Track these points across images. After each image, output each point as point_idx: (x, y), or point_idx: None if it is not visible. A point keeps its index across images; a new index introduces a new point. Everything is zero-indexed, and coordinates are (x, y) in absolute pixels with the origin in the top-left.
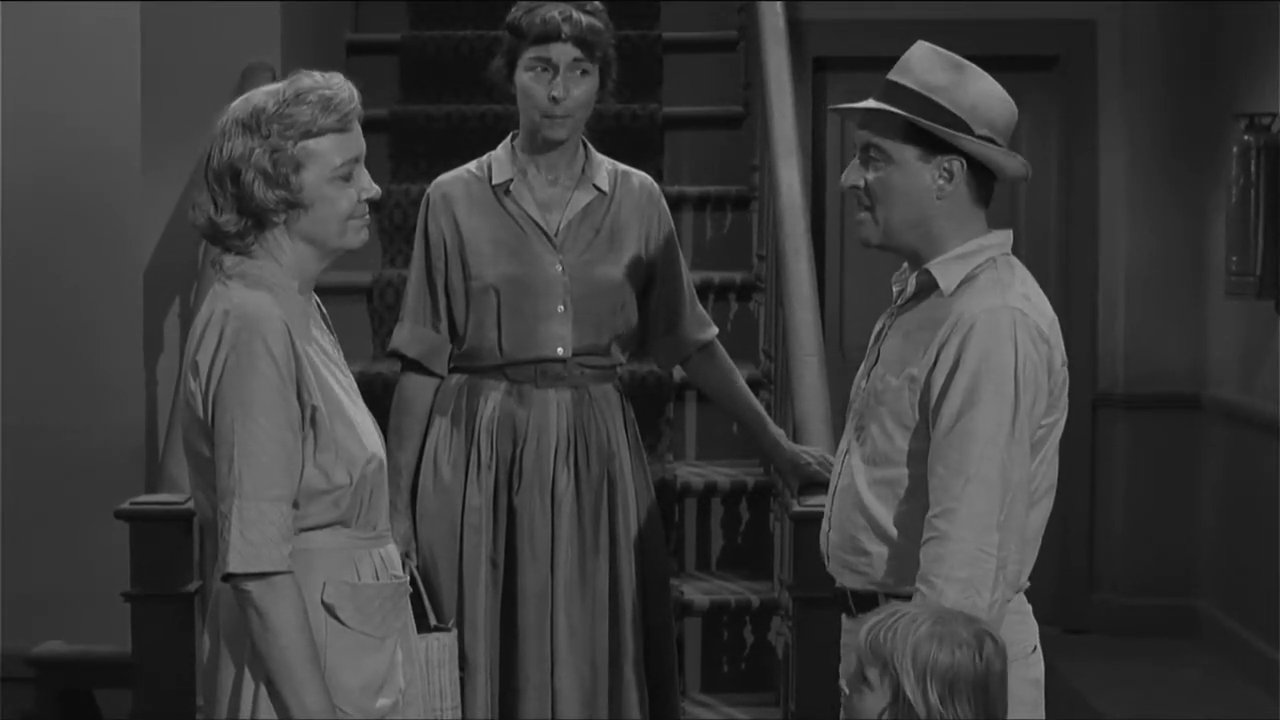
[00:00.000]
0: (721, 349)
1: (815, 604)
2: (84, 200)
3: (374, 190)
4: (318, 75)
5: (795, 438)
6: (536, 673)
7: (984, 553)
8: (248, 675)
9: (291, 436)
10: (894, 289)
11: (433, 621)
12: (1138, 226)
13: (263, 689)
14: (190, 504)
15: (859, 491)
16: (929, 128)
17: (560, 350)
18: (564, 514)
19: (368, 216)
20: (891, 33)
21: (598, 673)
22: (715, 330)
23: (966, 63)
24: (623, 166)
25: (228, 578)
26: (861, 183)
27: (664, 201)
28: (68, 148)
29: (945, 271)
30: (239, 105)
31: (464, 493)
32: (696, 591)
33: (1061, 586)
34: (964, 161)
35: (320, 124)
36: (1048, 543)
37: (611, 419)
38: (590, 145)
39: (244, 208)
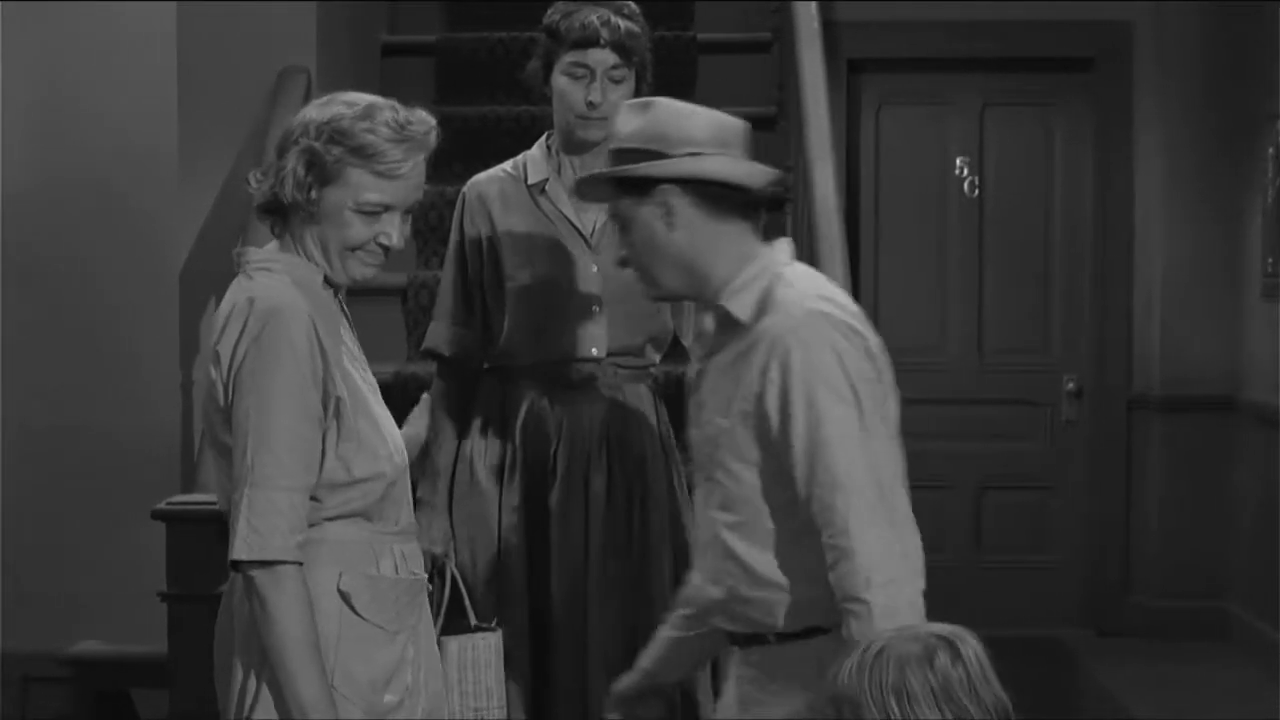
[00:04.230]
0: None
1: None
2: (120, 202)
3: (395, 241)
4: (412, 113)
5: None
6: (568, 675)
7: (889, 551)
8: (253, 673)
9: (309, 428)
10: (691, 344)
11: (473, 621)
12: (1173, 228)
13: (265, 688)
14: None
15: (724, 542)
16: (619, 172)
17: (595, 351)
18: (597, 515)
19: (380, 259)
20: (925, 34)
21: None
22: None
23: (656, 99)
24: None
25: (235, 565)
26: (624, 252)
27: None
28: (104, 150)
29: (737, 302)
30: (330, 99)
31: (500, 493)
32: None
33: (1095, 589)
34: (678, 187)
35: (366, 155)
36: (1081, 545)
37: (645, 419)
38: None
39: (273, 189)
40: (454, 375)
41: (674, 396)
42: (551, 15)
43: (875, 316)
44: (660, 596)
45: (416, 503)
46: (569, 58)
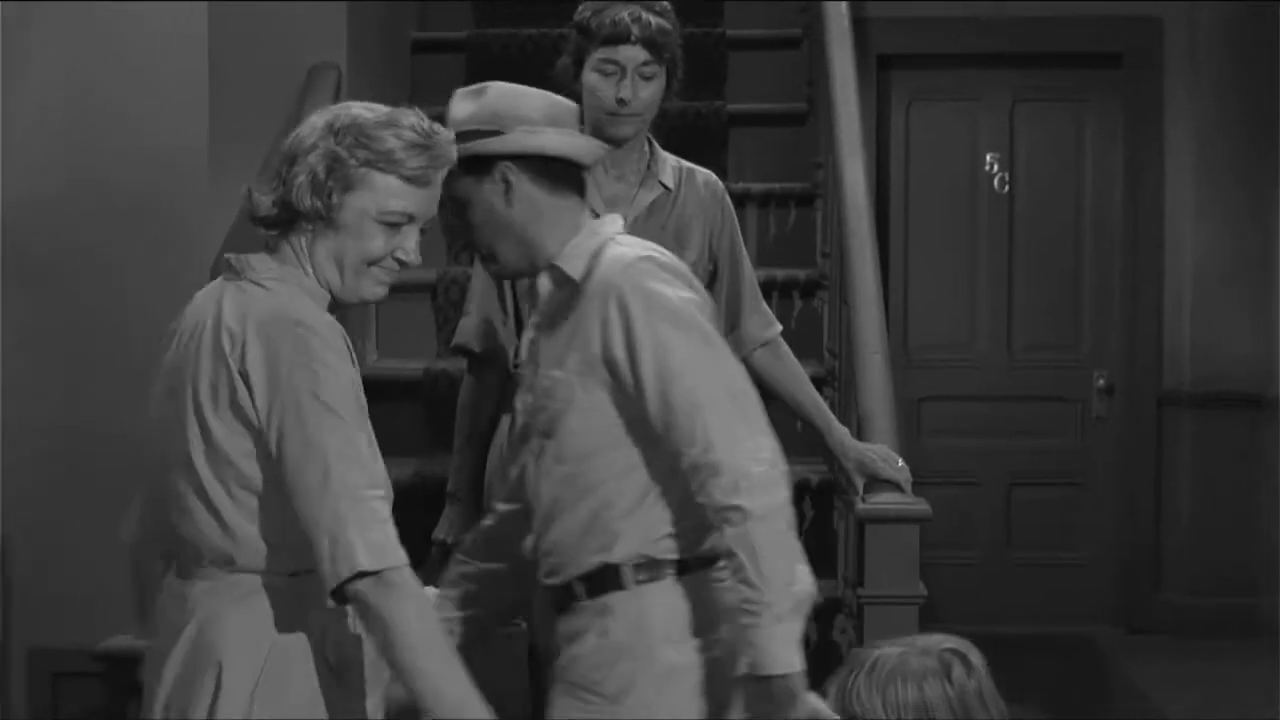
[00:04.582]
0: (786, 347)
1: (882, 603)
2: (151, 200)
3: (413, 257)
4: (430, 123)
5: (860, 435)
6: None
7: (757, 459)
8: (226, 678)
9: (370, 435)
10: (527, 311)
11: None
12: (1203, 223)
13: (240, 690)
14: None
15: (558, 496)
16: (460, 150)
17: None
18: None
19: (393, 278)
20: (955, 30)
21: None
22: (779, 328)
23: (489, 83)
24: (687, 164)
25: (344, 584)
26: (467, 237)
27: (728, 199)
28: (135, 149)
29: (570, 262)
30: (342, 106)
31: None
32: None
33: (1125, 586)
34: (515, 164)
35: (392, 162)
36: (1111, 542)
37: None
38: (655, 142)
39: (283, 197)
40: (484, 371)
41: None
42: (583, 12)
43: (905, 313)
44: None
45: (446, 497)
46: (600, 54)
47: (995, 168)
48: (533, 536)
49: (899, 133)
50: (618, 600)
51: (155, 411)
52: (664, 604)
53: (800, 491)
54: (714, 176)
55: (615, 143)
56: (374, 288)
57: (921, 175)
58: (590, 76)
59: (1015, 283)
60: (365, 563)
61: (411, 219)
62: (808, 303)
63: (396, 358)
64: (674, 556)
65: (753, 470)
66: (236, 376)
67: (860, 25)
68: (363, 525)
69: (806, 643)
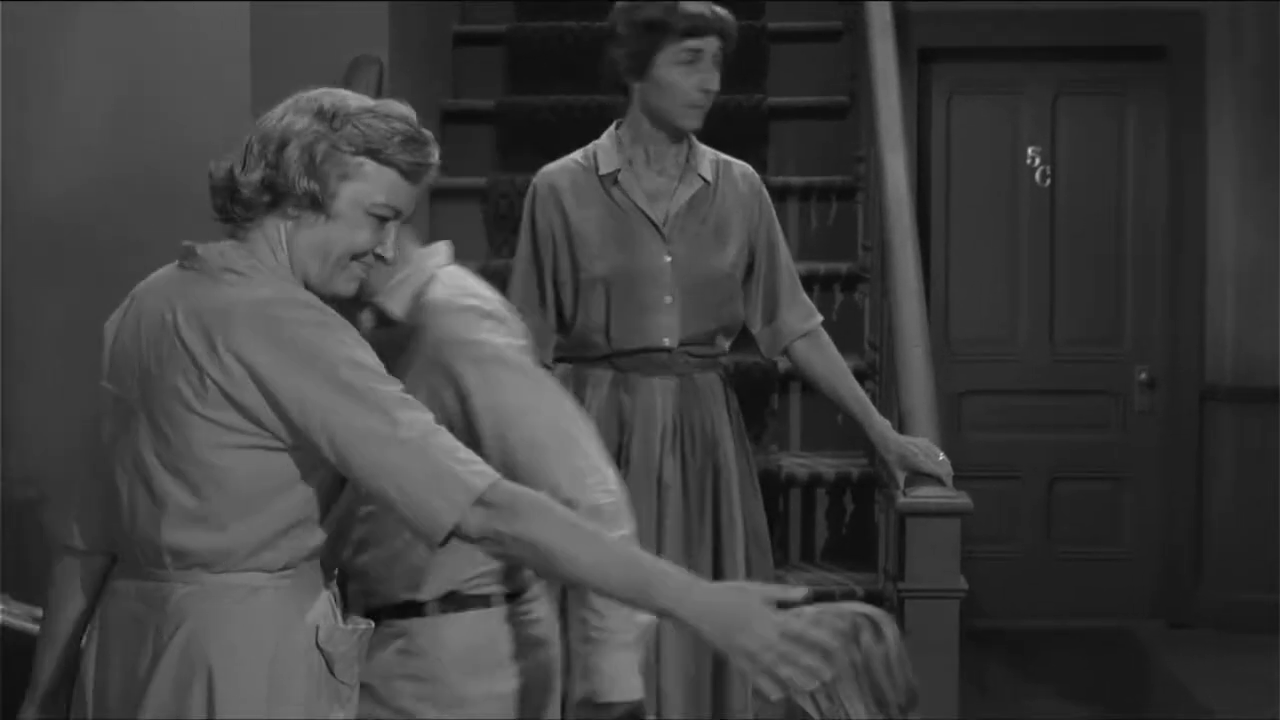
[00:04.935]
0: (826, 338)
1: (922, 596)
2: (196, 196)
3: (389, 252)
4: (416, 118)
5: (901, 429)
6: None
7: (604, 491)
8: (223, 686)
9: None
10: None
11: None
12: (1246, 217)
13: (234, 689)
14: None
15: (377, 529)
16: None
17: (667, 340)
18: (670, 501)
19: (364, 276)
20: (997, 23)
21: (701, 668)
22: (819, 319)
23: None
24: (724, 156)
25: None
26: None
27: (765, 190)
28: (179, 144)
29: (393, 299)
30: (322, 91)
31: None
32: (800, 583)
33: (1167, 580)
34: None
35: (389, 153)
36: (1153, 536)
37: (716, 407)
38: (693, 135)
39: (270, 180)
40: None
41: (745, 386)
42: (648, 10)
43: (946, 307)
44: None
45: None
46: (682, 45)
47: (1037, 161)
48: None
49: (940, 126)
50: (418, 626)
51: (112, 409)
52: (463, 636)
53: (841, 484)
54: (750, 168)
55: (678, 136)
56: (348, 284)
57: (963, 169)
58: (669, 70)
59: (1057, 276)
60: (479, 483)
61: (397, 214)
62: (849, 296)
63: None
64: (481, 593)
65: (603, 503)
66: (230, 368)
67: (902, 18)
68: (451, 456)
69: None
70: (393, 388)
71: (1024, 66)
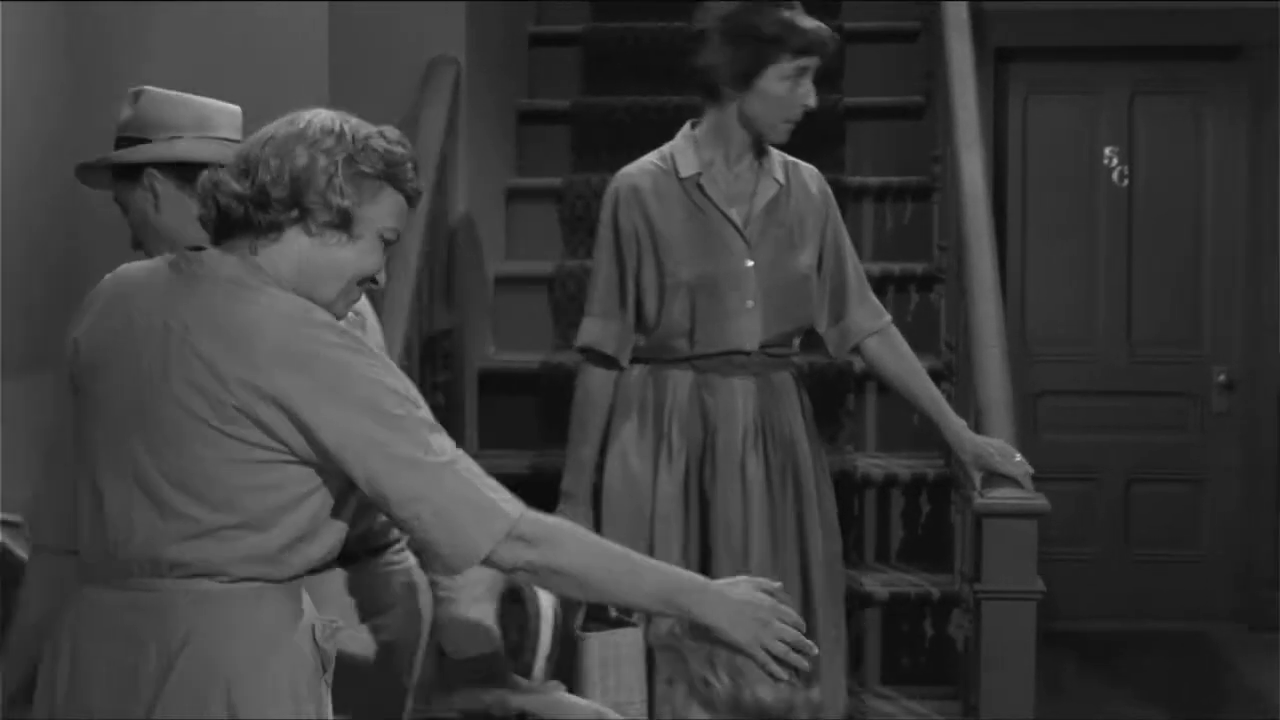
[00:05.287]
0: (898, 336)
1: (999, 598)
2: None
3: (384, 278)
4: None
5: (978, 429)
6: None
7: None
8: (240, 697)
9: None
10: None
11: (613, 614)
12: None
13: (254, 697)
14: None
15: None
16: (110, 159)
17: (748, 344)
18: (755, 499)
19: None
20: (1074, 22)
21: None
22: (888, 318)
23: (146, 88)
24: (789, 158)
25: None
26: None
27: (830, 192)
28: None
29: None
30: (328, 112)
31: (654, 482)
32: (876, 583)
33: (1245, 583)
34: (159, 171)
35: (402, 178)
36: (1232, 538)
37: (791, 405)
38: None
39: (298, 195)
40: (602, 369)
41: (820, 387)
42: (761, 23)
43: (1022, 306)
44: (820, 579)
45: (560, 494)
46: (795, 62)
47: (1114, 161)
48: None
49: (1017, 126)
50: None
51: (91, 415)
52: (340, 590)
53: (916, 485)
54: (816, 170)
55: (761, 147)
56: (347, 307)
57: (1039, 168)
58: (777, 85)
59: (1134, 276)
60: (513, 510)
61: (397, 240)
62: (924, 296)
63: (513, 350)
64: (350, 550)
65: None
66: (258, 386)
67: (978, 18)
68: (482, 480)
69: (923, 637)
70: (423, 412)
71: (1101, 66)
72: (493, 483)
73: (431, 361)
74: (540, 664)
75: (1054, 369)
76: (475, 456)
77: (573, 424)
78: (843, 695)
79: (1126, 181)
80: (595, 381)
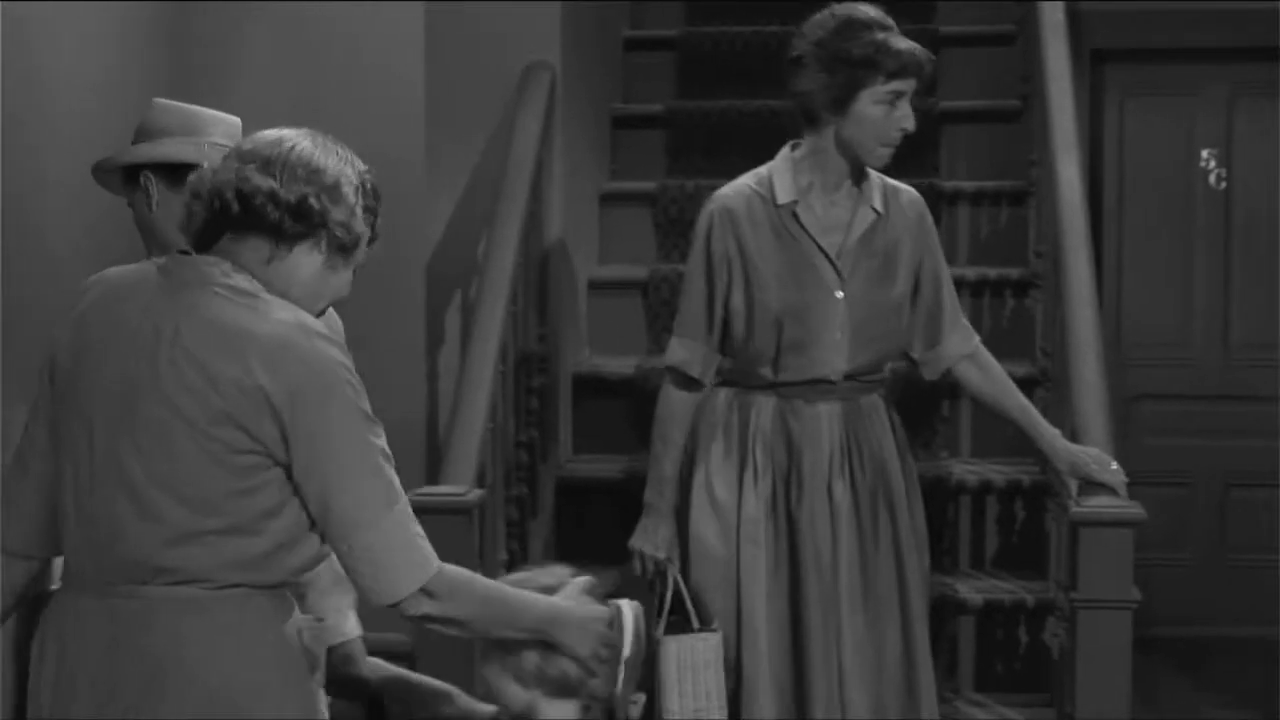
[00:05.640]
0: (987, 355)
1: (1095, 607)
2: None
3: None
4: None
5: (1074, 437)
6: (824, 683)
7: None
8: (240, 697)
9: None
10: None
11: (695, 624)
12: None
13: (255, 704)
14: (471, 496)
15: None
16: (107, 163)
17: (832, 374)
18: (843, 521)
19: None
20: (1171, 24)
21: (884, 679)
22: (977, 339)
23: (157, 100)
24: (890, 181)
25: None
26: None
27: (929, 216)
28: (352, 148)
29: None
30: (335, 141)
31: (739, 504)
32: (970, 590)
33: None
34: (151, 172)
35: (376, 221)
36: None
37: (880, 427)
38: None
39: (325, 209)
40: (687, 389)
41: (914, 393)
42: (855, 46)
43: (1118, 311)
44: (916, 596)
45: (643, 505)
46: (889, 86)
47: (1212, 164)
48: None
49: (1113, 129)
50: None
51: (68, 415)
52: None
53: (1011, 492)
54: (916, 194)
55: (860, 171)
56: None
57: (1136, 171)
58: (873, 108)
59: (1232, 281)
60: (434, 564)
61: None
62: (1020, 302)
63: (607, 355)
64: None
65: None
66: (250, 392)
67: (1074, 20)
68: (414, 523)
69: (1017, 644)
70: (380, 441)
71: (1198, 68)
72: (419, 529)
73: (526, 366)
74: (622, 671)
75: (1150, 373)
76: (569, 461)
77: (654, 439)
78: (932, 704)
79: (1224, 184)
80: (678, 399)
